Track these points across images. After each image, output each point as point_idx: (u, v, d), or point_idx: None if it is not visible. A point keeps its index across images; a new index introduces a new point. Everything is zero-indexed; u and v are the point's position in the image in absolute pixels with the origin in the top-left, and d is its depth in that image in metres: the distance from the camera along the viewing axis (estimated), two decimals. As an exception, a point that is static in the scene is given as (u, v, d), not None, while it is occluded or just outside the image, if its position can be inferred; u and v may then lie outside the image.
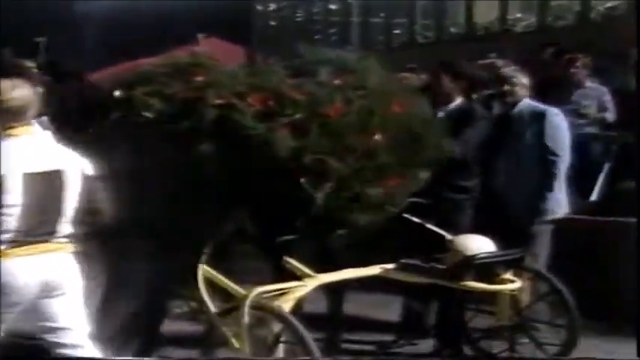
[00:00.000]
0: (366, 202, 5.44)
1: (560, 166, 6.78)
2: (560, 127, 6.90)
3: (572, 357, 5.49)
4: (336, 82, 5.51)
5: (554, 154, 6.76)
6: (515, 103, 6.97)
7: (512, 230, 6.50)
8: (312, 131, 5.24)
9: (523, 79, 7.05)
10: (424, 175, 5.74)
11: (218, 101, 5.28)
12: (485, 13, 16.78)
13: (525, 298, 6.18)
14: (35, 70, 6.18)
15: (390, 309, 7.25)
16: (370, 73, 5.67)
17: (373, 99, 5.51)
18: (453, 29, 17.96)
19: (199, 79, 5.44)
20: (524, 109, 6.94)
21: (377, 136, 5.42)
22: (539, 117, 6.86)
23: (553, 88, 9.73)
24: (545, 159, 6.75)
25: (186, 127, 5.29)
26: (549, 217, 6.80)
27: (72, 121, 5.94)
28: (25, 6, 20.15)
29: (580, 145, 8.43)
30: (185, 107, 5.35)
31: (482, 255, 5.83)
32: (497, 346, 6.28)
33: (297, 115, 5.24)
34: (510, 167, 6.84)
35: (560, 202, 6.85)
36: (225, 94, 5.30)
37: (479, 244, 5.93)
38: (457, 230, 6.11)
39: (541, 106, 7.07)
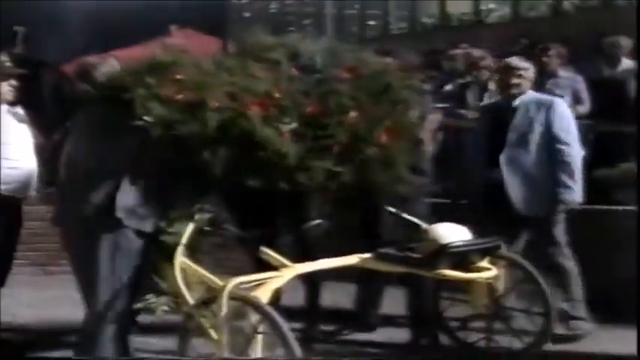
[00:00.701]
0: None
1: (573, 154, 6.77)
2: (567, 116, 6.92)
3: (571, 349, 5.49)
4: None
5: (566, 144, 6.77)
6: (519, 95, 6.96)
7: (523, 222, 6.66)
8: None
9: (532, 72, 7.08)
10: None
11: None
12: (459, 4, 16.79)
13: (502, 287, 6.17)
14: (6, 60, 6.12)
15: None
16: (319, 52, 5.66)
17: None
18: (426, 20, 17.98)
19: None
20: (528, 100, 6.94)
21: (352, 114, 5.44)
22: (547, 107, 6.86)
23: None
24: (556, 149, 6.76)
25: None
26: (567, 207, 6.80)
27: (47, 113, 5.89)
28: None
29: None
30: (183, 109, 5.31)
31: (457, 243, 5.85)
32: (474, 335, 6.29)
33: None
34: (518, 159, 6.84)
35: (576, 191, 6.78)
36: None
37: (454, 233, 5.95)
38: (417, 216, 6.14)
39: (545, 96, 7.14)
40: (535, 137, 6.80)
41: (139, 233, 5.42)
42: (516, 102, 6.94)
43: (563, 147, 6.76)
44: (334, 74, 5.67)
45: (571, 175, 6.72)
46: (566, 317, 6.69)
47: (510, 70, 7.00)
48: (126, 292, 5.44)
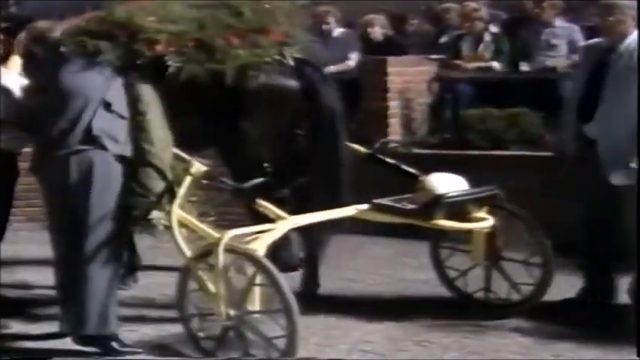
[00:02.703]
0: None
1: None
2: None
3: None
4: None
5: None
6: (622, 37, 6.03)
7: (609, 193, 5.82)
8: None
9: (631, 9, 6.02)
10: None
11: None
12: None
13: (500, 237, 6.15)
14: None
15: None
16: None
17: None
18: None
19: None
20: (635, 44, 5.97)
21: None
22: None
23: (522, 26, 9.74)
24: None
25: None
26: None
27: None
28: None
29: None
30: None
31: (452, 193, 5.82)
32: (473, 286, 6.28)
33: None
34: (617, 115, 5.83)
35: None
36: None
37: (450, 183, 5.92)
38: None
39: None
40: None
41: (120, 158, 5.40)
42: (622, 45, 6.00)
43: None
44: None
45: None
46: None
47: (609, 8, 6.06)
48: (115, 226, 5.38)
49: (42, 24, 5.88)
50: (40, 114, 5.50)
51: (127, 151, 5.41)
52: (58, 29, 5.71)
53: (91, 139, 5.32)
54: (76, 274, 5.35)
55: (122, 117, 5.43)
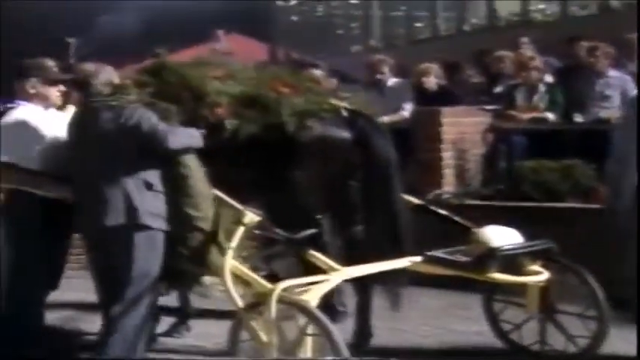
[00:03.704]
0: None
1: None
2: None
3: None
4: None
5: None
6: None
7: None
8: None
9: None
10: None
11: None
12: (507, 4, 16.70)
13: (555, 290, 6.09)
14: (54, 66, 6.23)
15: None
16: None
17: None
18: (474, 20, 17.90)
19: None
20: None
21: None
22: None
23: (575, 75, 9.70)
24: None
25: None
26: None
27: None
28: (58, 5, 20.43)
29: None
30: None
31: (507, 246, 5.79)
32: (528, 338, 6.22)
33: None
34: None
35: None
36: None
37: (504, 236, 5.89)
38: None
39: None
40: None
41: (162, 231, 5.50)
42: None
43: None
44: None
45: None
46: None
47: None
48: (154, 289, 5.52)
49: (87, 66, 5.87)
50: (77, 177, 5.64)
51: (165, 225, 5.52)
52: (102, 75, 5.69)
53: (131, 216, 5.42)
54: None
55: (161, 192, 5.52)
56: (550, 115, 9.27)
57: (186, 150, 5.55)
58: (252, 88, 5.98)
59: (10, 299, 5.85)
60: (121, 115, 5.45)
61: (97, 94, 5.60)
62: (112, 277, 5.50)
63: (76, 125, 5.69)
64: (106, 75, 5.69)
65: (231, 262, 5.40)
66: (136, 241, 5.42)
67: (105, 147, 5.47)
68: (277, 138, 5.80)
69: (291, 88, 6.01)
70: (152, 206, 5.47)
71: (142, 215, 5.43)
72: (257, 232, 5.58)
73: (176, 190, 5.52)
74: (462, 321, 7.24)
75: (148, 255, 5.45)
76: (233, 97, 5.88)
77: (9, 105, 6.17)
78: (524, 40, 11.17)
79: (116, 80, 5.71)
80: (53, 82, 6.08)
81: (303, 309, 5.10)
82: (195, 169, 5.58)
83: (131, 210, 5.42)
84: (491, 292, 6.35)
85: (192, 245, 5.52)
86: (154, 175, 5.51)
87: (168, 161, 5.53)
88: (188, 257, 5.53)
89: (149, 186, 5.47)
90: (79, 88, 5.78)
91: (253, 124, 5.80)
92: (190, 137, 5.60)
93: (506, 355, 6.28)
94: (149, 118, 5.47)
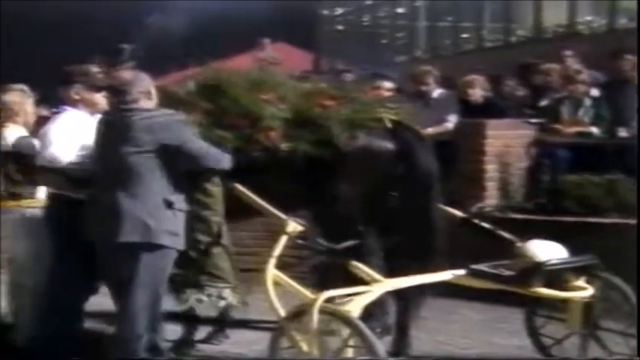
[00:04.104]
0: None
1: None
2: None
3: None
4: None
5: None
6: None
7: None
8: None
9: None
10: None
11: None
12: (554, 16, 16.61)
13: (597, 306, 6.06)
14: (99, 72, 6.29)
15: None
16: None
17: None
18: (520, 32, 17.81)
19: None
20: None
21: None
22: None
23: (619, 89, 9.64)
24: None
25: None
26: None
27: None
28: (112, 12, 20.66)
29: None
30: None
31: (552, 261, 5.77)
32: (569, 354, 6.20)
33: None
34: None
35: None
36: None
37: (549, 251, 5.87)
38: None
39: None
40: None
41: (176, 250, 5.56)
42: None
43: None
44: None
45: None
46: None
47: None
48: (160, 299, 5.58)
49: (125, 74, 5.91)
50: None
51: (182, 244, 5.57)
52: (139, 83, 5.63)
53: (146, 235, 5.43)
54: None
55: (181, 210, 5.54)
56: (595, 130, 9.23)
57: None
58: (301, 108, 6.00)
59: (51, 303, 5.93)
60: (162, 129, 5.42)
61: (132, 101, 5.55)
62: (120, 288, 5.56)
63: (103, 131, 5.64)
64: (143, 84, 5.63)
65: (272, 272, 5.44)
66: (145, 260, 5.42)
67: (131, 159, 5.42)
68: (324, 151, 5.84)
69: (336, 100, 6.04)
70: (170, 224, 5.45)
71: (158, 235, 5.41)
72: (300, 241, 5.62)
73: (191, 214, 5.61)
74: (503, 334, 7.23)
75: (157, 272, 5.49)
76: (286, 121, 5.94)
77: (54, 110, 6.28)
78: (568, 53, 11.11)
79: (153, 90, 5.66)
80: (97, 88, 6.13)
81: (345, 319, 5.12)
82: (217, 197, 5.72)
83: (146, 229, 5.39)
84: (533, 306, 6.33)
85: (214, 261, 5.73)
86: (176, 193, 5.49)
87: (194, 182, 5.61)
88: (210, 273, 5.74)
89: (169, 204, 5.44)
90: (115, 95, 5.72)
91: (306, 144, 5.86)
92: (229, 160, 5.66)
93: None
94: (196, 138, 5.51)
